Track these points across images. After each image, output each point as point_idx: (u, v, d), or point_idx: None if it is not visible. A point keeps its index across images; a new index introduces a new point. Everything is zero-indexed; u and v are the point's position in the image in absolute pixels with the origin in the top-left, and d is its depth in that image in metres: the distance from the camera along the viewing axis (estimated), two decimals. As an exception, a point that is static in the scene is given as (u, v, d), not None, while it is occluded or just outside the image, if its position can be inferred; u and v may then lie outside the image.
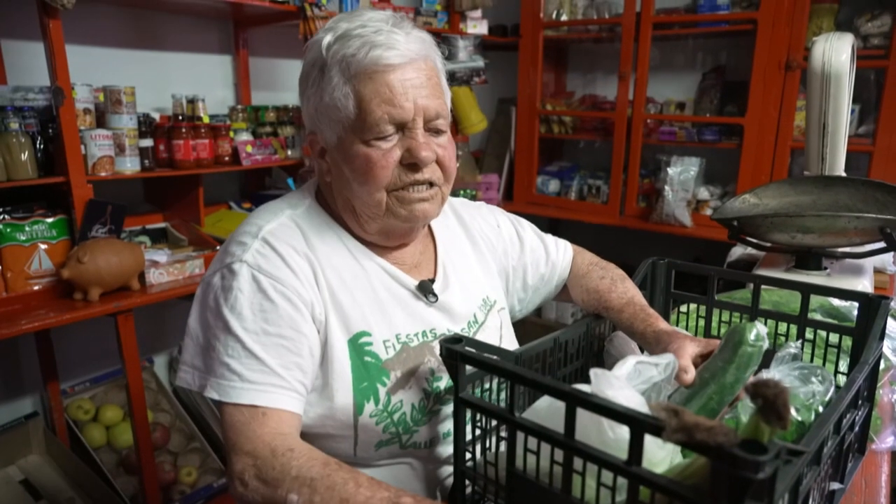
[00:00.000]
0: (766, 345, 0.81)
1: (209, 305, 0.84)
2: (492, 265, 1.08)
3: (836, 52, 1.36)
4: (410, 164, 0.84)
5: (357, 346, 0.87)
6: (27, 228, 1.67)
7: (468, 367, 0.73)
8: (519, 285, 1.12)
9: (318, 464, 0.72)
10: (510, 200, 3.28)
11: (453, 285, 0.98)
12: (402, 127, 0.84)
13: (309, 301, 0.84)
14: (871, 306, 0.89)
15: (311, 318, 0.85)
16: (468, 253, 1.05)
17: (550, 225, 3.29)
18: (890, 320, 1.11)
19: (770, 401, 0.50)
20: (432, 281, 0.97)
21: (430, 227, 1.03)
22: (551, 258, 1.14)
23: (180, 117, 2.02)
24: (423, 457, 0.92)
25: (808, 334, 0.97)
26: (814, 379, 0.81)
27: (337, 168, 0.88)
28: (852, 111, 2.49)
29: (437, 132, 0.87)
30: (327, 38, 0.84)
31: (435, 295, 0.95)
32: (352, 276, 0.90)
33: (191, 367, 0.84)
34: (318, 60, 0.85)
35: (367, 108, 0.82)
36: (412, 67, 0.83)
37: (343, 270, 0.89)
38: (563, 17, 3.08)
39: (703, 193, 2.81)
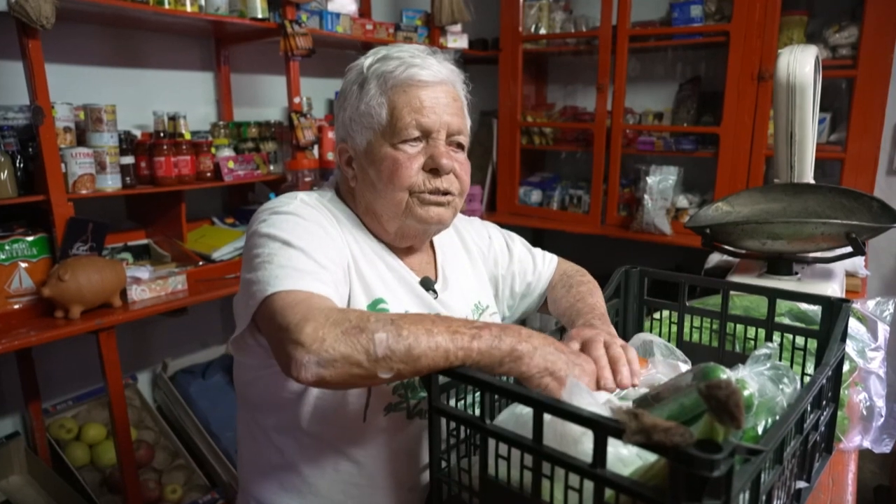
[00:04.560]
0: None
1: (255, 238, 0.87)
2: (483, 273, 1.16)
3: (799, 65, 1.40)
4: (432, 169, 0.94)
5: (376, 310, 0.93)
6: (7, 247, 1.67)
7: (441, 377, 0.75)
8: (507, 293, 1.20)
9: (390, 314, 0.74)
10: (493, 211, 3.30)
11: (452, 287, 1.07)
12: (427, 136, 0.94)
13: (345, 251, 0.92)
14: (833, 309, 0.92)
15: (344, 264, 0.90)
16: (463, 261, 1.14)
17: (534, 235, 3.32)
18: (856, 322, 1.15)
19: (722, 402, 0.52)
20: (434, 281, 1.05)
21: (431, 239, 1.10)
22: (538, 268, 1.21)
23: (162, 134, 2.03)
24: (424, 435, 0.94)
25: (777, 338, 1.00)
26: (785, 380, 0.84)
27: (363, 172, 0.97)
28: (823, 120, 2.55)
29: (459, 147, 0.98)
30: (369, 60, 0.95)
31: (436, 292, 1.03)
32: (371, 254, 0.97)
33: (243, 303, 0.83)
34: (359, 77, 0.96)
35: (399, 115, 0.92)
36: (441, 88, 0.94)
37: (364, 246, 0.97)
38: (542, 31, 3.12)
39: (682, 202, 2.85)
